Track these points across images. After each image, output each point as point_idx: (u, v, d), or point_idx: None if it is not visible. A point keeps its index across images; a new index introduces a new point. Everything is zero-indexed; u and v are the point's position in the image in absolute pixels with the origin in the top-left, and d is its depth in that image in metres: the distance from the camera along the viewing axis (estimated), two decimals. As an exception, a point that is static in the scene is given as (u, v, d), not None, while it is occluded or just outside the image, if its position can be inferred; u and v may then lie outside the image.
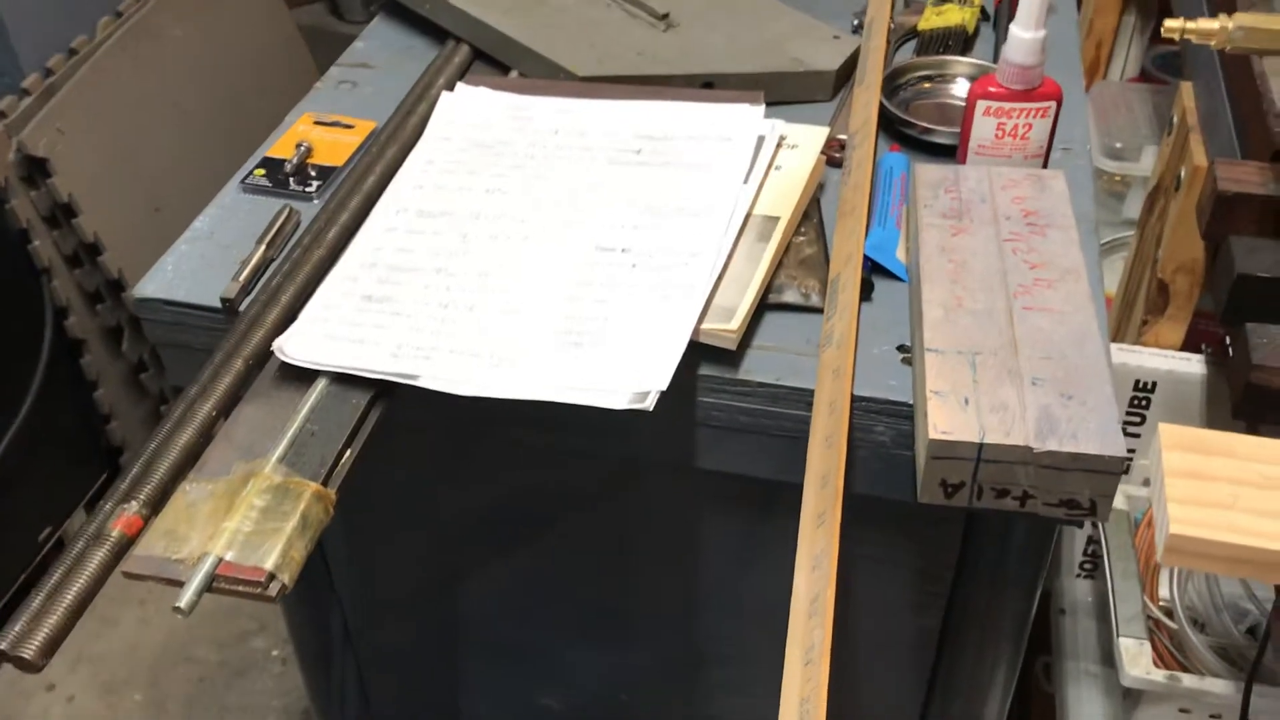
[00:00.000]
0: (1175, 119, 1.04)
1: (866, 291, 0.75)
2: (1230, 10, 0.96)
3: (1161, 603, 1.00)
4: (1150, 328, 1.06)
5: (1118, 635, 0.94)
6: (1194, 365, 1.00)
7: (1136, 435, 1.04)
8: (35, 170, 1.39)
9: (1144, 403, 1.03)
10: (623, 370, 0.66)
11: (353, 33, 2.53)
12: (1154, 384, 1.01)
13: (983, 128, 0.78)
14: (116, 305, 1.51)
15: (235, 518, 0.60)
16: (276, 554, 0.58)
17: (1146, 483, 1.06)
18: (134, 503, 0.62)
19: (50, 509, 1.52)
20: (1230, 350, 0.69)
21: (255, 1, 1.77)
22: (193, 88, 1.62)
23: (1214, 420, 1.01)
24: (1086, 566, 1.14)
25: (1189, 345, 1.04)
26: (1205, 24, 0.66)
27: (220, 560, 0.58)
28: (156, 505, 0.63)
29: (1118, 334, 1.16)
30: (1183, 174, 0.99)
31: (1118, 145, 1.47)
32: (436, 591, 0.96)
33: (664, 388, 0.65)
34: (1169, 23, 0.67)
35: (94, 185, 1.44)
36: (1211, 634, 0.97)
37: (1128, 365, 1.00)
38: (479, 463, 0.85)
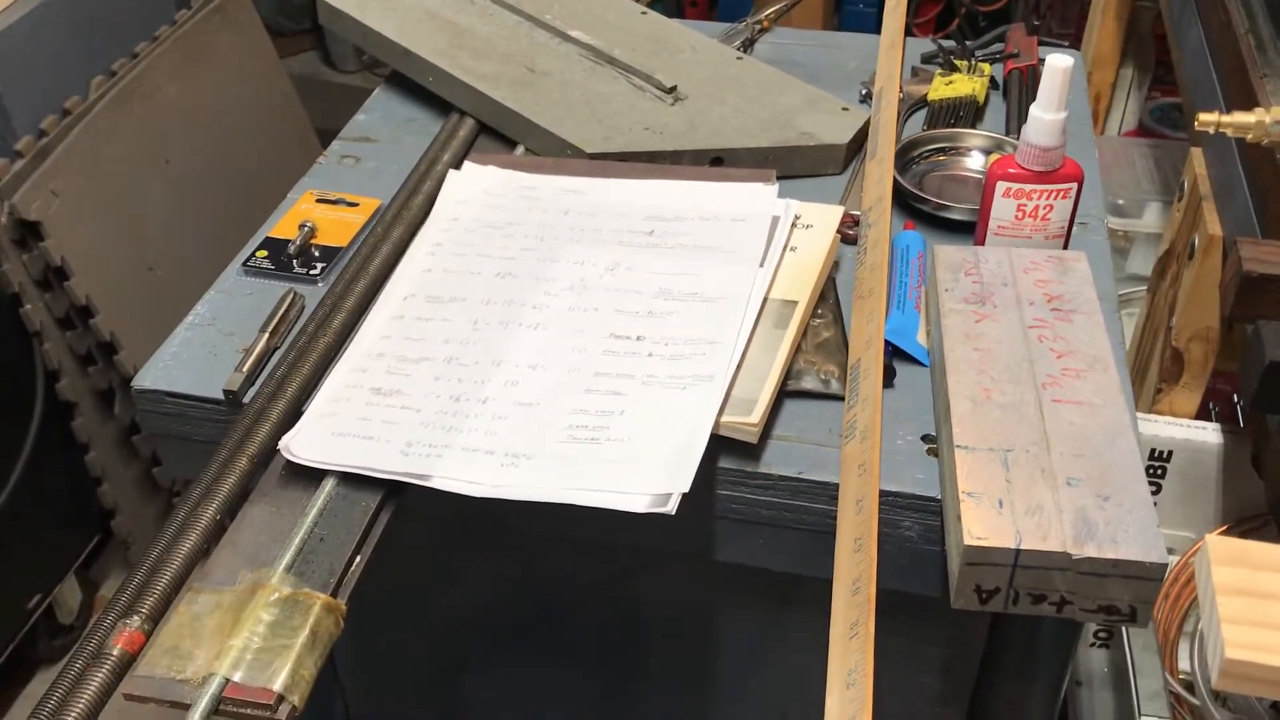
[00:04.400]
0: (1186, 185, 1.03)
1: (888, 378, 0.73)
2: (1239, 71, 0.95)
3: (1182, 676, 0.98)
4: (1165, 395, 1.04)
5: (1139, 715, 0.92)
6: (1211, 434, 0.99)
7: (1154, 504, 1.02)
8: (27, 233, 1.36)
9: (1160, 471, 1.01)
10: (642, 471, 0.64)
11: (346, 82, 2.51)
12: (1170, 453, 1.00)
13: (1002, 208, 0.76)
14: (108, 367, 1.48)
15: (242, 634, 0.58)
16: (286, 673, 0.56)
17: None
18: (136, 617, 0.59)
19: (40, 576, 1.49)
20: (1261, 445, 0.67)
21: (249, 56, 1.75)
22: (187, 145, 1.60)
23: (1230, 489, 0.99)
24: (1101, 635, 1.12)
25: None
26: (1241, 118, 0.64)
27: (227, 681, 0.56)
28: (159, 618, 0.60)
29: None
30: (1196, 242, 0.98)
31: (1120, 202, 1.46)
32: (442, 680, 0.93)
33: (686, 489, 0.63)
34: (1203, 116, 0.65)
35: (87, 247, 1.42)
36: (1235, 709, 0.94)
37: (1144, 434, 0.99)
38: (487, 550, 0.82)
